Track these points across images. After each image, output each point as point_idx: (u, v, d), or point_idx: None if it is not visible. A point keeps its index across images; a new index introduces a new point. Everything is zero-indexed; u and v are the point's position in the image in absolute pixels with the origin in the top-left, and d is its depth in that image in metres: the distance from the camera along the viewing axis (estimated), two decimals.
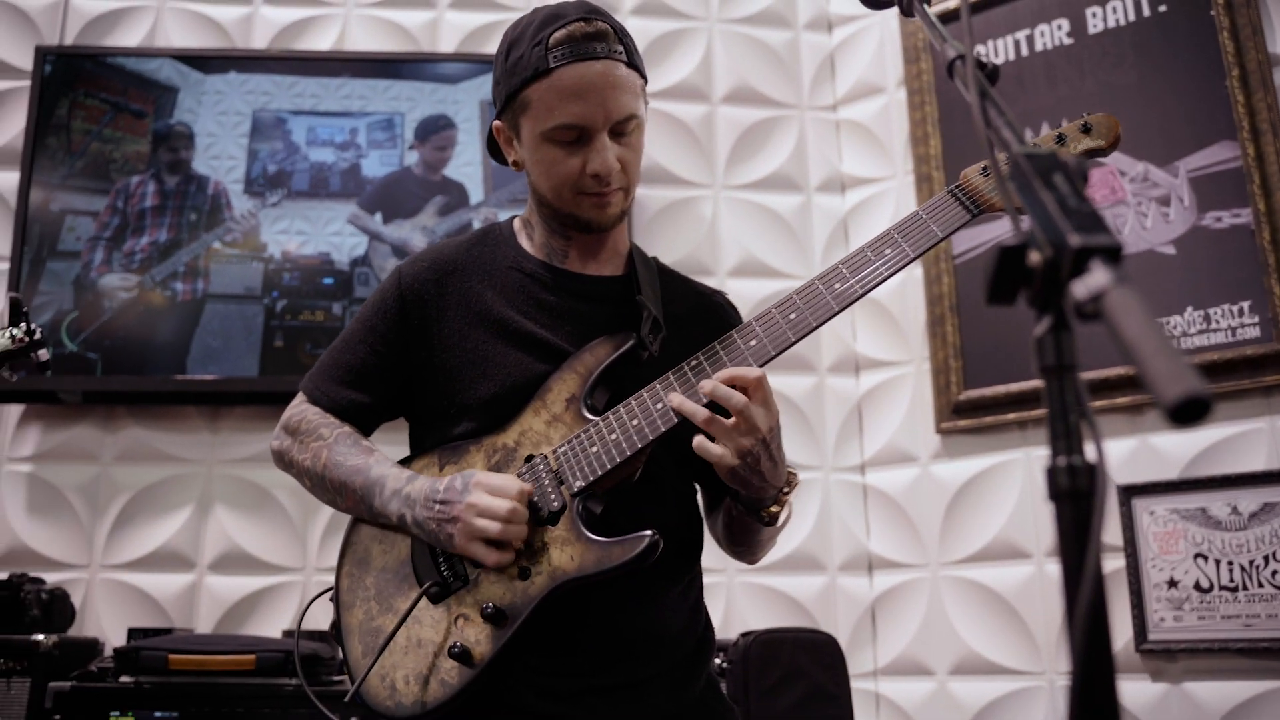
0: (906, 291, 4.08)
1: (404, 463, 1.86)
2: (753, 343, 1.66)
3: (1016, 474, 3.69)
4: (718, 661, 3.13)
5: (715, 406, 1.64)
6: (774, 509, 1.73)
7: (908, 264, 1.66)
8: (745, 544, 1.89)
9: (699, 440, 1.64)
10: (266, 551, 3.79)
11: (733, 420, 1.61)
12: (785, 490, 1.73)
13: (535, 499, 1.70)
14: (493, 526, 1.64)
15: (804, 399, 4.10)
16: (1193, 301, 3.43)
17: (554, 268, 1.89)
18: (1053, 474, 0.83)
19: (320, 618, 3.54)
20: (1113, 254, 0.78)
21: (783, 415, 3.99)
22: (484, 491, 1.67)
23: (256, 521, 3.82)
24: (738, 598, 3.87)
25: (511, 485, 1.67)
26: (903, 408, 4.02)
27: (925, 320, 4.00)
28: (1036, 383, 3.55)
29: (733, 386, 1.62)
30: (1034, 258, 0.82)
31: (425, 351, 1.83)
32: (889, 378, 4.08)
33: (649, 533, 1.61)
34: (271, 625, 3.70)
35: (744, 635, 3.21)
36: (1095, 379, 3.28)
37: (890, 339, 4.12)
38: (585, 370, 1.75)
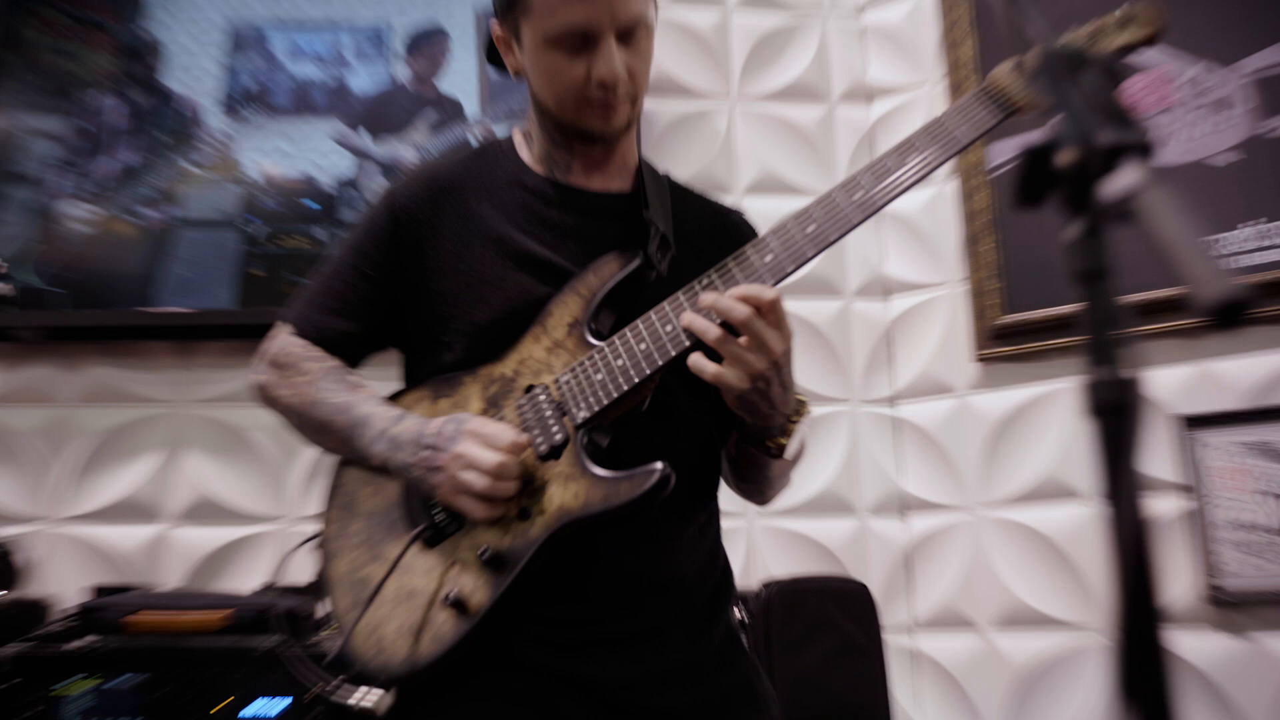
0: (939, 208, 4.09)
1: (395, 397, 1.88)
2: (768, 258, 1.67)
3: (1063, 405, 3.70)
4: (738, 615, 3.17)
5: (727, 327, 1.66)
6: (781, 440, 1.76)
7: (934, 169, 1.68)
8: (754, 480, 1.92)
9: (695, 358, 1.67)
10: (241, 499, 3.83)
11: (744, 340, 1.63)
12: (794, 419, 1.76)
13: (536, 438, 1.73)
14: (479, 481, 1.67)
15: (829, 325, 4.13)
16: (1249, 216, 3.41)
17: (557, 183, 1.91)
18: (1089, 389, 0.85)
19: (302, 571, 3.57)
20: (1144, 151, 0.80)
21: (806, 343, 4.10)
22: (474, 442, 1.69)
23: (231, 467, 3.86)
24: (759, 544, 3.92)
25: (503, 436, 1.69)
26: (937, 334, 4.04)
27: (961, 238, 4.00)
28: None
29: (746, 300, 1.64)
30: (1062, 157, 0.84)
31: (419, 276, 1.85)
32: (922, 301, 4.10)
33: (659, 465, 1.62)
34: (246, 581, 3.74)
35: (766, 584, 3.25)
36: (1146, 301, 3.28)
37: (923, 259, 4.13)
38: (589, 292, 1.77)
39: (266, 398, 1.95)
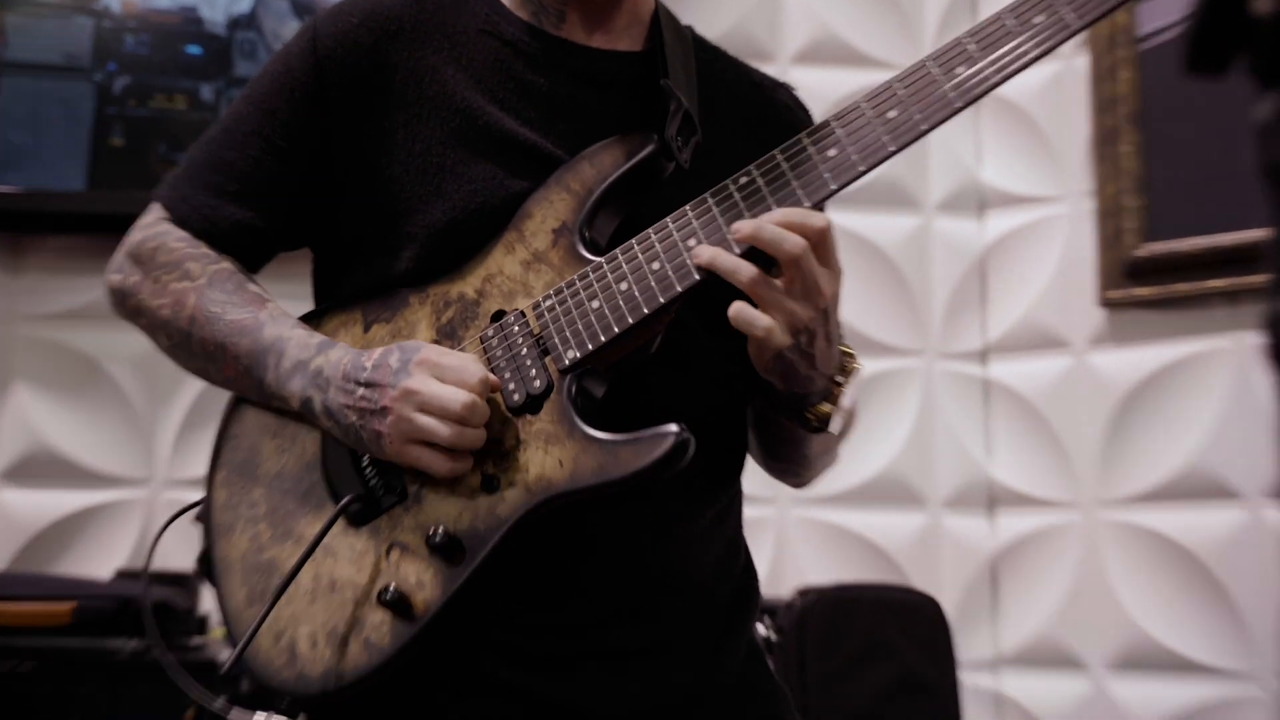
0: (1061, 92, 4.10)
1: (310, 319, 1.90)
2: (830, 153, 1.66)
3: (1222, 371, 3.72)
4: (762, 629, 3.21)
5: (756, 257, 1.65)
6: (823, 409, 1.76)
7: (1066, 39, 1.66)
8: (788, 458, 1.95)
9: (737, 307, 1.66)
10: (93, 454, 3.86)
11: (785, 279, 1.63)
12: (839, 381, 1.76)
13: (508, 384, 1.74)
14: (441, 429, 1.67)
15: (900, 250, 4.17)
16: None
17: (545, 35, 1.91)
18: (1275, 322, 0.83)
19: (177, 551, 3.59)
20: None
21: (871, 275, 4.13)
22: (430, 374, 1.70)
23: (78, 409, 3.88)
24: (792, 539, 3.98)
25: (471, 369, 1.70)
26: (1049, 267, 4.07)
27: (1089, 136, 4.01)
28: (1258, 232, 3.55)
29: (787, 227, 1.63)
30: (1261, 2, 0.83)
31: (350, 151, 1.86)
32: (1030, 221, 4.13)
33: (674, 428, 1.63)
34: (100, 564, 3.76)
35: (802, 593, 3.30)
36: None
37: (1034, 164, 4.15)
38: (583, 188, 1.78)
39: (130, 308, 1.94)
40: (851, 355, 1.77)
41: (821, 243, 1.62)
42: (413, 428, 1.68)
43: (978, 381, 4.16)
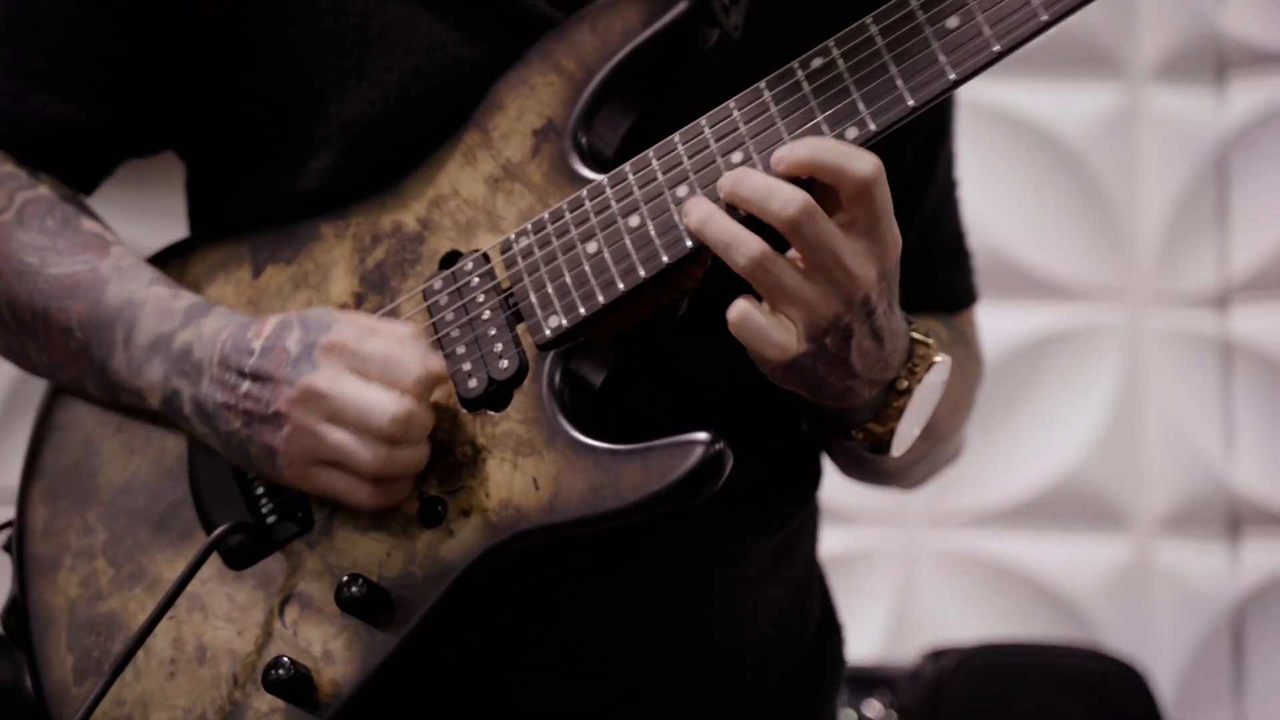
0: None
1: (176, 255, 1.95)
2: (951, 22, 1.64)
3: None
4: (873, 711, 3.25)
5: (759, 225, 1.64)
6: (877, 427, 1.79)
7: None
8: (864, 476, 2.03)
9: (740, 313, 1.64)
10: None
11: (797, 257, 1.63)
12: (901, 388, 1.77)
13: (462, 365, 1.76)
14: (361, 452, 1.69)
15: (1092, 140, 4.19)
16: None
17: None
18: None
19: None
20: None
21: (1044, 179, 4.14)
22: (345, 366, 1.72)
23: None
24: (924, 577, 3.99)
25: (407, 358, 1.71)
26: None
27: None
28: None
29: (808, 180, 1.62)
30: None
31: (224, 9, 1.87)
32: None
33: (703, 436, 1.63)
34: None
35: (935, 655, 3.33)
36: None
37: None
38: (580, 66, 1.79)
39: None
40: (927, 343, 1.77)
41: (861, 200, 1.59)
42: (319, 445, 1.70)
43: (1213, 342, 4.17)
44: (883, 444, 1.78)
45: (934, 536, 4.00)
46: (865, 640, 3.68)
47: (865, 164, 1.56)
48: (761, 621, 1.92)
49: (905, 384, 1.75)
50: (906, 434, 1.77)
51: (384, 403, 1.64)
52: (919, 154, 2.01)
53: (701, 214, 1.61)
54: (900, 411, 1.75)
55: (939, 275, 2.13)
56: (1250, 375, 4.13)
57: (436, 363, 1.69)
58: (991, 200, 3.89)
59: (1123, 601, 4.03)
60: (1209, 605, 4.05)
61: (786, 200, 1.54)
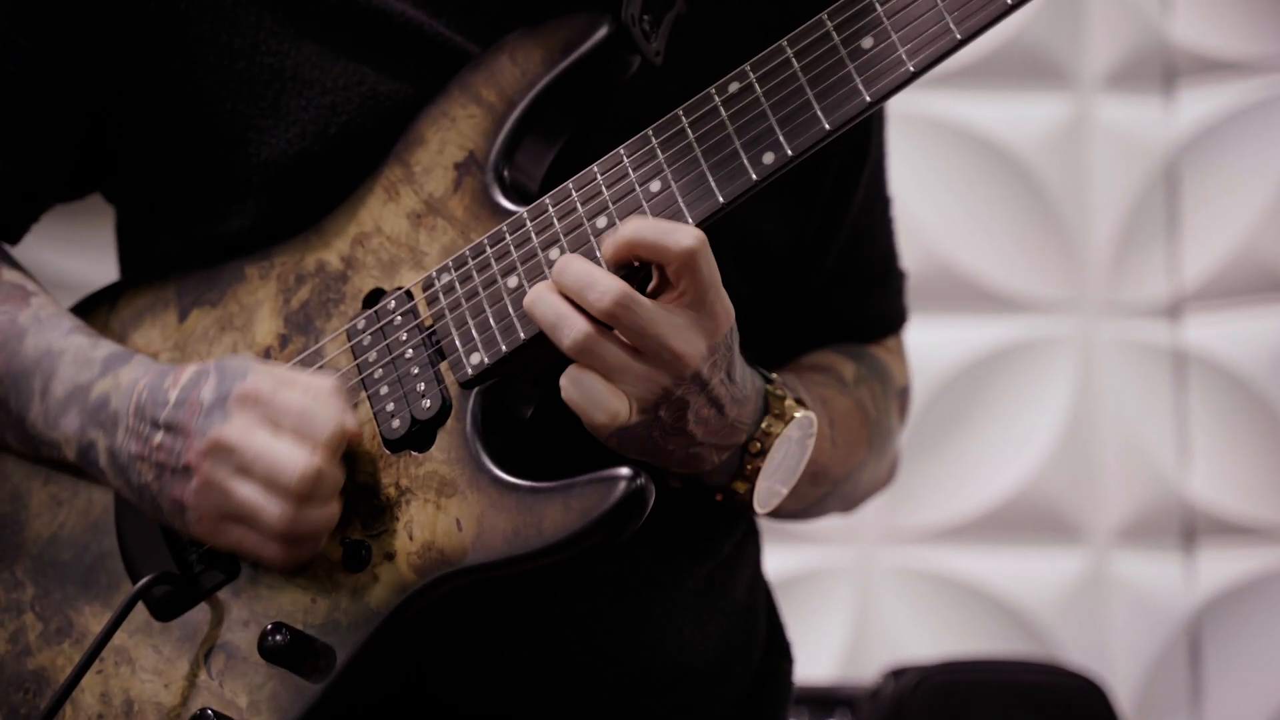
0: None
1: (102, 301, 1.92)
2: (866, 43, 1.63)
3: None
4: None
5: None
6: (740, 485, 1.78)
7: None
8: (785, 515, 1.98)
9: (572, 380, 1.62)
10: None
11: (620, 338, 1.60)
12: (756, 448, 1.75)
13: (386, 406, 1.74)
14: (269, 509, 1.66)
15: (1043, 151, 4.16)
16: None
17: None
18: None
19: None
20: None
21: (997, 191, 4.11)
22: (257, 418, 1.69)
23: None
24: (881, 595, 3.97)
25: (320, 411, 1.69)
26: (1277, 171, 4.09)
27: None
28: None
29: (634, 259, 1.61)
30: None
31: (144, 44, 1.85)
32: (1245, 102, 4.13)
33: (625, 471, 1.61)
34: None
35: (895, 673, 3.31)
36: None
37: (1251, 20, 4.15)
38: (501, 98, 1.78)
39: None
40: (780, 397, 1.75)
41: (686, 273, 1.58)
42: (227, 500, 1.67)
43: (1166, 352, 4.16)
44: (745, 503, 1.78)
45: (890, 553, 3.99)
46: (824, 660, 3.72)
47: (685, 238, 1.56)
48: (703, 648, 1.90)
49: (758, 446, 1.74)
50: (769, 490, 1.78)
51: (294, 458, 1.62)
52: (839, 175, 2.01)
53: (532, 294, 1.60)
54: (758, 471, 1.75)
55: (862, 299, 2.15)
56: (1204, 384, 4.12)
57: (351, 419, 1.67)
58: (941, 213, 3.91)
59: (1080, 614, 4.03)
60: (1166, 616, 4.05)
61: (602, 292, 1.55)
